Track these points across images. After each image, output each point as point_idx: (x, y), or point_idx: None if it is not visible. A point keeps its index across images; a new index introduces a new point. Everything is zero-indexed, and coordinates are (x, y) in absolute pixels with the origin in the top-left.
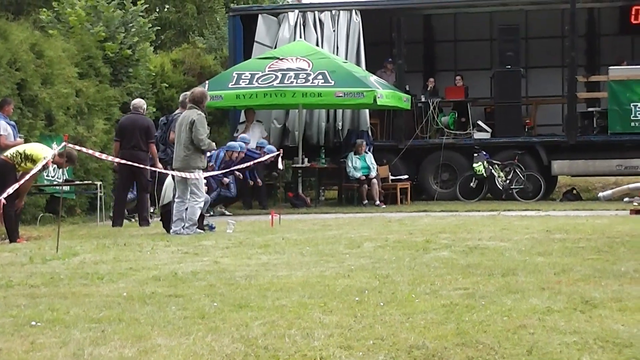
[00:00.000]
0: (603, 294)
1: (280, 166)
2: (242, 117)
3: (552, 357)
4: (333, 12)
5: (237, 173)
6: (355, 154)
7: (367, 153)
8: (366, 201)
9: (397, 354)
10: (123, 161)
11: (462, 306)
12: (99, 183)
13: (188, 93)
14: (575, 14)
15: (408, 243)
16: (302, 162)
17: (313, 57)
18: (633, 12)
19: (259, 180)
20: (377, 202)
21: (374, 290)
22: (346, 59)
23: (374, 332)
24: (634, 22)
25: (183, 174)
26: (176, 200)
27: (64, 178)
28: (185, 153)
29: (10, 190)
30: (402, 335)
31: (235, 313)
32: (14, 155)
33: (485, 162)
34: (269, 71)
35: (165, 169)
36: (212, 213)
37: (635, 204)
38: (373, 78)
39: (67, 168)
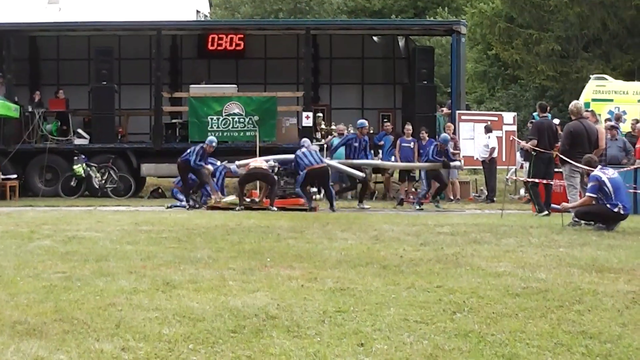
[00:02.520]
0: (181, 276)
1: None
2: None
3: (137, 330)
4: None
5: None
6: None
7: None
8: None
9: (2, 329)
10: None
11: (61, 287)
12: None
13: None
14: (161, 39)
15: (14, 233)
16: None
17: None
18: (209, 40)
19: None
20: None
21: None
22: None
23: None
24: (210, 48)
25: None
26: None
27: None
28: None
29: None
30: (6, 312)
31: None
32: None
33: (84, 165)
34: None
35: None
36: None
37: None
38: None
39: None
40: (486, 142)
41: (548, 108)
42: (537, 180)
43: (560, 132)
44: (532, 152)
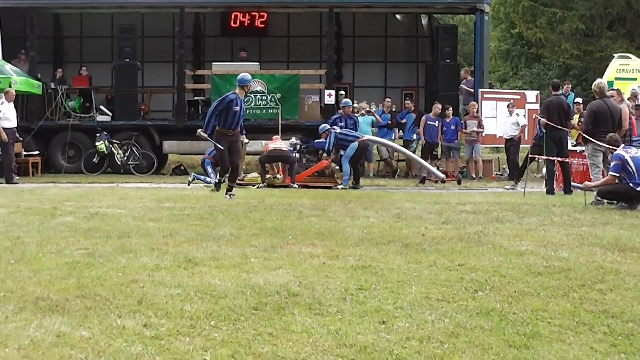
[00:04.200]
0: (204, 253)
1: None
2: None
3: (159, 307)
4: None
5: None
6: None
7: None
8: None
9: (25, 305)
10: None
11: (83, 264)
12: None
13: None
14: (184, 17)
15: (37, 210)
16: None
17: None
18: (232, 17)
19: None
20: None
21: (6, 250)
22: None
23: (5, 286)
24: (233, 26)
25: None
26: None
27: None
28: None
29: None
30: (29, 289)
31: None
32: None
33: (106, 141)
34: None
35: None
36: None
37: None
38: (9, 66)
39: None
40: (515, 120)
41: (562, 87)
42: (553, 158)
43: (582, 111)
44: (544, 131)
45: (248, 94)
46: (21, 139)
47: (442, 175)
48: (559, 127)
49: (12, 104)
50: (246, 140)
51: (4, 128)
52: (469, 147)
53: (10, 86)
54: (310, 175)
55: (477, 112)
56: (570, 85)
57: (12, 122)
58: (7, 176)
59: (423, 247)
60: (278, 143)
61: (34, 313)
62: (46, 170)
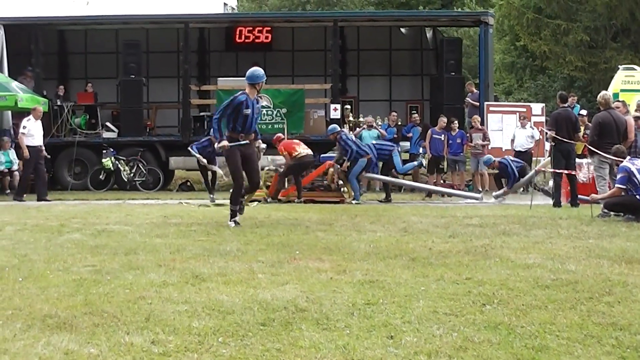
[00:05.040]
0: (211, 269)
1: None
2: None
3: (167, 323)
4: None
5: None
6: None
7: (10, 149)
8: (8, 191)
9: (33, 322)
10: None
11: (90, 281)
12: None
13: None
14: (189, 32)
15: (44, 227)
16: None
17: None
18: (237, 32)
19: None
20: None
21: (13, 268)
22: None
23: (12, 304)
24: (238, 41)
25: None
26: None
27: None
28: None
29: None
30: (37, 306)
31: None
32: None
33: (112, 158)
34: None
35: None
36: None
37: None
38: (14, 84)
39: None
40: (530, 133)
41: (568, 99)
42: (561, 171)
43: (587, 122)
44: (552, 144)
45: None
46: (49, 155)
47: (478, 196)
48: (567, 140)
49: (39, 121)
50: (263, 145)
51: (27, 146)
52: (474, 160)
53: (15, 103)
54: (317, 190)
55: (482, 124)
56: (575, 98)
57: (37, 140)
58: (18, 192)
59: (430, 261)
60: (304, 147)
61: (42, 331)
62: (52, 187)
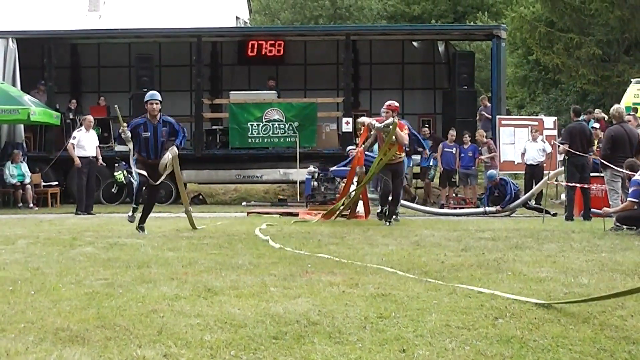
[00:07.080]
0: (223, 283)
1: None
2: None
3: (179, 337)
4: None
5: None
6: (12, 163)
7: (22, 162)
8: (21, 204)
9: (45, 336)
10: None
11: (103, 294)
12: None
13: None
14: (201, 46)
15: (57, 240)
16: None
17: None
18: (249, 46)
19: None
20: (31, 205)
21: (25, 281)
22: (3, 80)
23: (24, 317)
24: (250, 54)
25: None
26: None
27: None
28: None
29: None
30: (49, 319)
31: None
32: None
33: (124, 171)
34: None
35: None
36: None
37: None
38: (27, 97)
39: None
40: (542, 146)
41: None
42: (575, 185)
43: (599, 136)
44: (566, 157)
45: (265, 122)
46: (104, 163)
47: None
48: (581, 153)
49: (92, 132)
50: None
51: (78, 156)
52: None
53: (28, 117)
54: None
55: (485, 137)
56: (593, 115)
57: (87, 151)
58: (81, 204)
59: (442, 274)
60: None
61: (54, 344)
62: (65, 200)
